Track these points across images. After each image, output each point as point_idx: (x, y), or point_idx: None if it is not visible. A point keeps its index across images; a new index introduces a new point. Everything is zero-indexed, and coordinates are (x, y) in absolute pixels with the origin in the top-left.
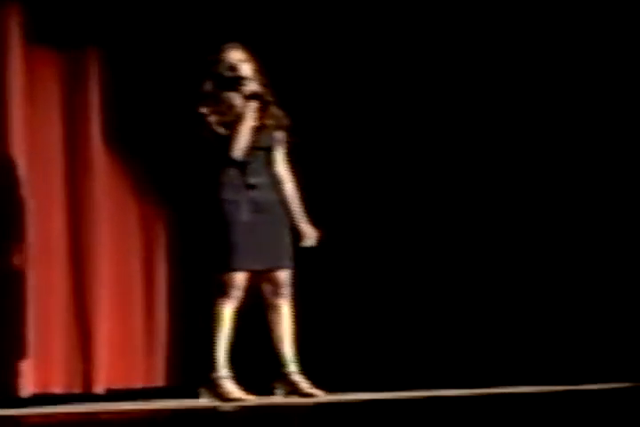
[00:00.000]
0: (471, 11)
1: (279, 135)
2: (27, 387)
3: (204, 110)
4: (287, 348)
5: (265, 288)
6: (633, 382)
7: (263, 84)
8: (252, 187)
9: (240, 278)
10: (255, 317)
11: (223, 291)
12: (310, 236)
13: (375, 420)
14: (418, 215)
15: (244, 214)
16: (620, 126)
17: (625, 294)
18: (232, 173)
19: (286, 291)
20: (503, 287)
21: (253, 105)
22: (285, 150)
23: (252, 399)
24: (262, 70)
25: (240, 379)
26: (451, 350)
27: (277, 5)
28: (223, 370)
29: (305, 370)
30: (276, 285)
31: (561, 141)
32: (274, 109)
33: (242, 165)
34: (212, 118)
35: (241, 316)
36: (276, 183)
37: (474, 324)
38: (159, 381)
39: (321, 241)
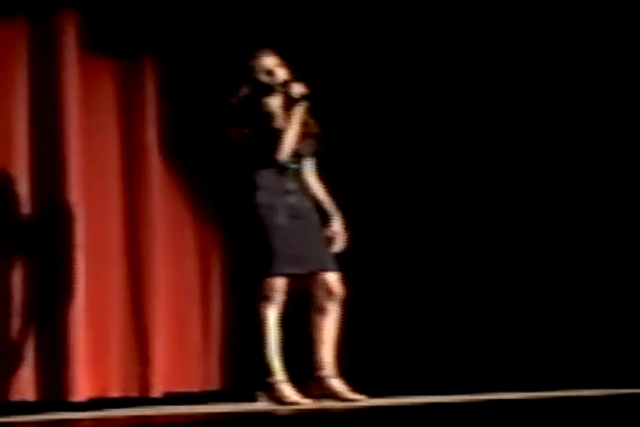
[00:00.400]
0: (484, 14)
1: (311, 142)
2: (84, 391)
3: (243, 115)
4: (327, 352)
5: (317, 292)
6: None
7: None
8: (289, 192)
9: (281, 283)
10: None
11: (265, 295)
12: (343, 240)
13: (424, 424)
14: (449, 217)
15: (280, 219)
16: (620, 126)
17: (631, 301)
18: (269, 177)
19: (338, 295)
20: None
21: (303, 106)
22: (315, 158)
23: (308, 403)
24: (296, 76)
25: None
26: (489, 354)
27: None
28: (279, 374)
29: (347, 374)
30: (327, 288)
31: (576, 144)
32: (307, 117)
33: (281, 170)
34: (252, 123)
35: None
36: (307, 189)
37: (519, 327)
38: (215, 384)
39: (354, 246)
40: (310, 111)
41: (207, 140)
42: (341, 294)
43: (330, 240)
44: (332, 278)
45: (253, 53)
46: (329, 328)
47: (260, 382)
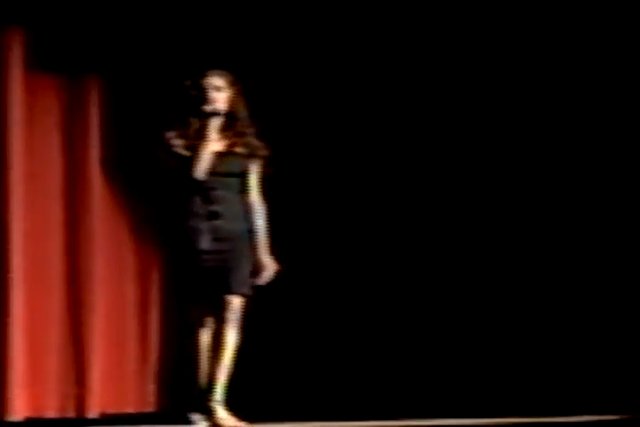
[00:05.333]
0: (469, 12)
1: (253, 164)
2: (20, 411)
3: (169, 134)
4: (219, 376)
5: (216, 313)
6: (632, 414)
7: (244, 114)
8: (214, 215)
9: (205, 308)
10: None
11: (194, 320)
12: (269, 269)
13: None
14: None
15: (204, 243)
16: (620, 126)
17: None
18: (197, 200)
19: (235, 317)
20: (498, 312)
21: (214, 123)
22: (259, 180)
23: (243, 426)
24: (245, 101)
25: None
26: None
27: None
28: (215, 397)
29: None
30: (226, 309)
31: (559, 142)
32: (251, 139)
33: (205, 192)
34: (178, 142)
35: None
36: (246, 212)
37: (453, 351)
38: (151, 406)
39: (280, 275)
40: (257, 133)
41: (149, 161)
42: (238, 319)
43: (257, 269)
44: (235, 302)
45: (201, 73)
46: (225, 352)
47: (197, 405)
